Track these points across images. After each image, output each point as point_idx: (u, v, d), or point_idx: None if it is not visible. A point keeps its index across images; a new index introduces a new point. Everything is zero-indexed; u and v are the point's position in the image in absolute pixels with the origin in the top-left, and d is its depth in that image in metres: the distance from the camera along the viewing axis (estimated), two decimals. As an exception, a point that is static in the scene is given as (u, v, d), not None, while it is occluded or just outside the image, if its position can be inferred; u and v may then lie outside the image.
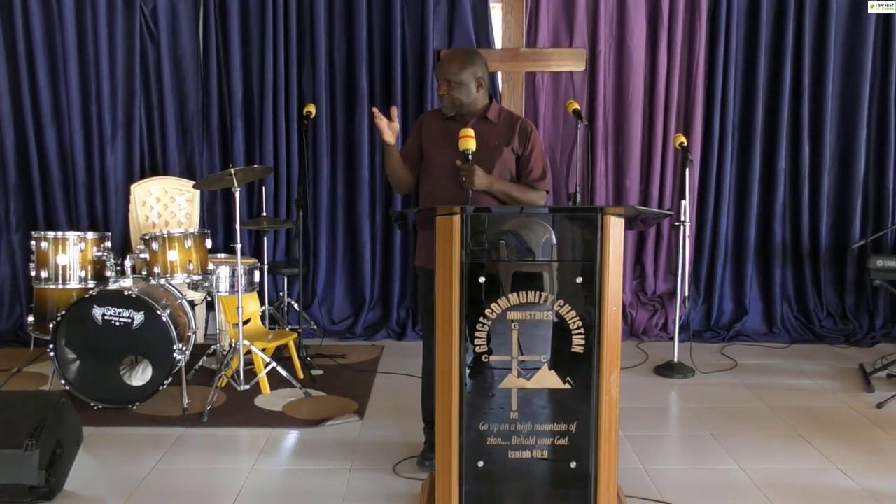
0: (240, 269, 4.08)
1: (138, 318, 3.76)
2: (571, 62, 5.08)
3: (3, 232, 5.25)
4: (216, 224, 5.34)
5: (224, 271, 4.30)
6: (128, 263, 4.03)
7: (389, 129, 3.03)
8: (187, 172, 5.29)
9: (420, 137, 3.17)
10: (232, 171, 3.91)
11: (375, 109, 3.07)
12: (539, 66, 5.11)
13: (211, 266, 4.20)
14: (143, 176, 5.22)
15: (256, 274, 4.48)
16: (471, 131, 2.90)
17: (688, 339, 4.98)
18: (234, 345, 4.08)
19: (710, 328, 5.47)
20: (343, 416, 3.79)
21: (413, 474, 3.12)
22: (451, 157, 2.96)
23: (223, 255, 4.61)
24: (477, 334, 2.38)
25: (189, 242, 4.04)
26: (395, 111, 3.05)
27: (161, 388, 3.80)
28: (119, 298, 3.75)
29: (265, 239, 4.90)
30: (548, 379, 2.39)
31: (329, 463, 3.27)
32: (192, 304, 4.27)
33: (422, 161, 3.16)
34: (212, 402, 3.79)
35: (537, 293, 2.37)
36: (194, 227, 5.00)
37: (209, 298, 4.68)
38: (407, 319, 5.43)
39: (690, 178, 4.82)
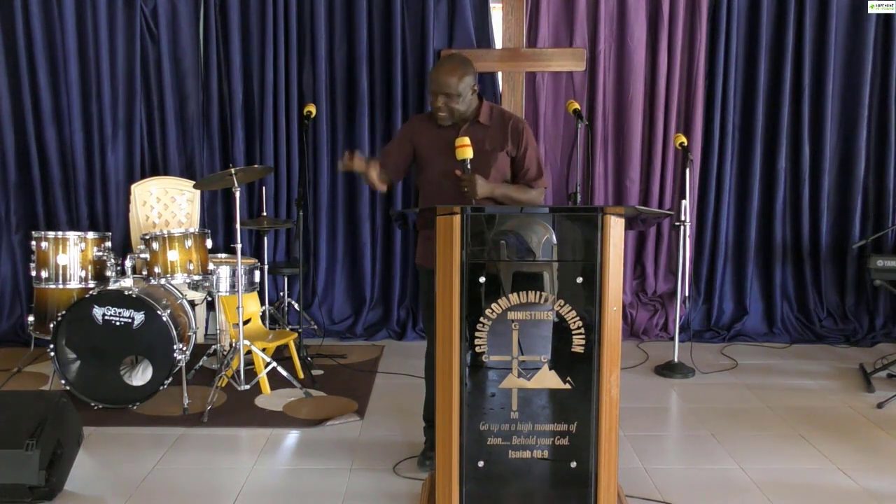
0: (240, 269, 4.08)
1: (138, 318, 3.76)
2: (571, 62, 5.08)
3: (4, 232, 5.26)
4: (216, 224, 5.34)
5: (224, 271, 4.30)
6: (128, 263, 4.02)
7: (371, 170, 2.94)
8: (187, 172, 5.28)
9: (411, 143, 3.13)
10: (232, 171, 3.91)
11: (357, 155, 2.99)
12: (539, 66, 5.11)
13: (211, 266, 4.20)
14: (143, 176, 5.22)
15: (257, 274, 4.48)
16: (466, 140, 2.90)
17: (688, 339, 4.98)
18: (234, 345, 4.08)
19: (711, 328, 5.47)
20: (343, 416, 3.79)
21: (413, 474, 3.12)
22: (451, 165, 2.96)
23: (223, 255, 4.61)
24: (477, 334, 2.37)
25: (189, 242, 4.04)
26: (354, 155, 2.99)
27: (161, 388, 3.80)
28: (119, 298, 3.75)
29: (265, 239, 4.90)
30: (548, 379, 2.39)
31: (329, 463, 3.27)
32: (192, 304, 4.27)
33: (414, 166, 3.15)
34: (212, 402, 3.79)
35: (538, 293, 2.37)
36: (194, 227, 4.99)
37: (209, 298, 4.68)
38: (407, 319, 5.43)
39: (691, 178, 4.81)
